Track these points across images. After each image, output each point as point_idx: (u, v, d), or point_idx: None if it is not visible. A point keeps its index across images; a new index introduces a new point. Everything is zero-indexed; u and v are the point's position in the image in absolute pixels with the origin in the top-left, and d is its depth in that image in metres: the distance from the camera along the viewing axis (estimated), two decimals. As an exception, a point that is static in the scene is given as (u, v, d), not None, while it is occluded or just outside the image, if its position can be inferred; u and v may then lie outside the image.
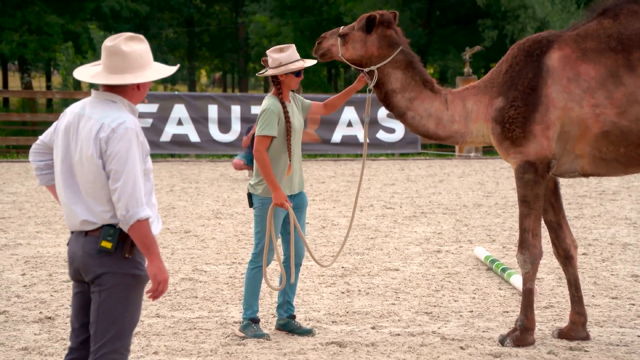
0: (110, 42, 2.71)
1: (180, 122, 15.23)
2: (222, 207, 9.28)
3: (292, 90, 4.33)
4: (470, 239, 7.17)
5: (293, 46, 4.21)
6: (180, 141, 15.26)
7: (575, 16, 24.81)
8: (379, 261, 6.32)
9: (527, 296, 4.07)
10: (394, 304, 5.02)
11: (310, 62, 4.28)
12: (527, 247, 4.01)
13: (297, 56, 4.22)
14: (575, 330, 4.15)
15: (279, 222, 4.25)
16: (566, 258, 4.21)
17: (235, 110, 15.46)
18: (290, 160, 4.21)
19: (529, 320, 4.05)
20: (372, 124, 15.60)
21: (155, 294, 2.70)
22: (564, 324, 4.43)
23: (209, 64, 39.69)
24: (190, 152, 15.56)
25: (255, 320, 4.31)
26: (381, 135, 15.63)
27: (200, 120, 15.29)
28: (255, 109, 15.44)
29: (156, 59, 3.06)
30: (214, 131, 15.38)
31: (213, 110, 15.39)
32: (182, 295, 5.24)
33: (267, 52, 4.24)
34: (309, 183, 11.74)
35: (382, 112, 15.59)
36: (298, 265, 4.38)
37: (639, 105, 3.79)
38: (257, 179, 4.25)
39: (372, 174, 12.80)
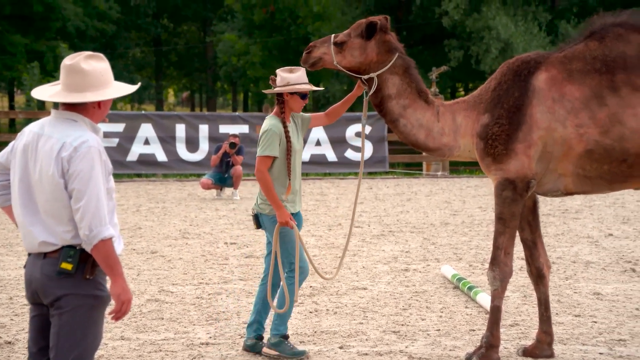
0: (70, 60, 2.68)
1: (147, 142, 15.11)
2: (189, 227, 9.19)
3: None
4: (437, 257, 7.21)
5: (303, 69, 4.22)
6: (147, 161, 15.13)
7: (537, 38, 25.36)
8: (348, 280, 6.31)
9: (495, 313, 4.09)
10: (362, 323, 5.01)
11: (313, 88, 4.29)
12: (498, 264, 4.03)
13: (306, 79, 4.23)
14: (541, 348, 4.18)
15: (293, 240, 4.20)
16: (538, 277, 4.24)
17: (204, 129, 15.40)
18: (289, 180, 4.21)
19: (494, 337, 4.07)
20: (341, 143, 15.66)
21: (119, 315, 2.65)
22: (529, 342, 4.46)
23: (176, 83, 39.58)
24: (158, 171, 15.42)
25: (287, 337, 4.30)
26: (349, 154, 15.69)
27: (167, 140, 15.19)
28: (223, 128, 15.40)
29: (123, 78, 3.04)
30: (182, 150, 15.28)
31: (181, 130, 15.31)
32: (148, 317, 5.16)
33: (277, 70, 4.27)
34: (277, 202, 11.69)
35: (350, 130, 15.67)
36: (300, 282, 4.35)
37: (622, 125, 3.87)
38: (263, 199, 4.24)
39: (341, 193, 12.82)
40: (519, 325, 4.86)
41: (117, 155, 14.64)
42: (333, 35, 4.18)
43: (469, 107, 4.14)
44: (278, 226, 4.16)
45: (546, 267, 4.23)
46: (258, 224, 4.29)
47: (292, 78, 4.17)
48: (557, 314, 5.12)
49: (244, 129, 15.56)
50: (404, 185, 14.20)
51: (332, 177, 15.79)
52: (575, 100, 3.92)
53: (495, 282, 4.06)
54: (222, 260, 7.18)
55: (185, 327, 4.93)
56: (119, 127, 15.02)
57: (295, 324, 4.98)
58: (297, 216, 4.32)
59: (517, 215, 4.00)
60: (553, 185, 4.02)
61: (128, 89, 2.71)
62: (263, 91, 4.49)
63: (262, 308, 4.34)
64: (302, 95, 4.21)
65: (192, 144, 15.30)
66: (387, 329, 4.83)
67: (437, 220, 9.49)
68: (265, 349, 4.28)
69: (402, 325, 4.93)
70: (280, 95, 4.21)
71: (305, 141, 15.63)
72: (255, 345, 4.33)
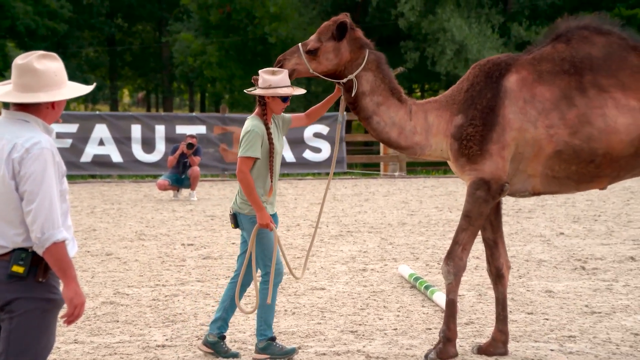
0: (22, 60, 2.62)
1: (102, 142, 14.87)
2: (145, 228, 9.07)
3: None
4: (394, 257, 7.27)
5: (286, 72, 4.17)
6: (101, 162, 14.89)
7: (490, 39, 25.79)
8: (306, 280, 6.32)
9: (450, 307, 4.12)
10: (320, 323, 5.02)
11: (299, 91, 4.25)
12: (453, 258, 4.08)
13: (288, 82, 4.18)
14: (495, 346, 4.24)
15: (271, 243, 4.19)
16: (497, 276, 4.28)
17: (160, 130, 15.23)
18: (272, 181, 4.20)
19: (450, 331, 4.11)
20: (299, 144, 15.66)
21: (71, 319, 2.61)
22: (484, 339, 4.53)
23: (132, 83, 39.01)
24: (113, 172, 15.19)
25: (274, 339, 4.26)
26: (308, 154, 15.71)
27: (122, 141, 14.98)
28: (180, 129, 15.26)
29: (76, 78, 2.98)
30: (138, 151, 15.08)
31: (137, 130, 15.11)
32: (102, 320, 5.08)
33: (260, 72, 4.22)
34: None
35: (308, 131, 15.68)
36: (277, 284, 4.34)
37: (590, 125, 3.93)
38: (243, 198, 4.22)
39: (299, 194, 12.83)
40: (474, 324, 4.93)
41: (71, 156, 14.37)
42: (300, 44, 4.14)
43: (441, 107, 4.16)
44: (257, 227, 4.15)
45: (506, 267, 4.27)
46: (236, 223, 4.27)
47: (274, 80, 4.13)
48: (510, 311, 5.21)
49: (201, 129, 15.44)
50: (361, 185, 14.28)
51: (290, 178, 15.78)
52: (545, 101, 3.98)
53: (449, 276, 4.10)
54: (179, 262, 7.11)
55: (141, 329, 4.87)
56: (73, 127, 14.74)
57: (254, 324, 4.96)
58: (274, 217, 4.32)
59: (484, 216, 4.04)
60: (521, 185, 4.07)
61: (83, 89, 2.66)
62: (245, 91, 4.44)
63: (229, 306, 4.31)
64: (284, 98, 4.19)
65: (148, 144, 15.11)
66: (344, 329, 4.86)
67: (395, 221, 9.57)
68: (255, 355, 4.25)
69: (360, 325, 4.96)
70: (262, 97, 4.19)
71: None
72: (216, 344, 4.28)
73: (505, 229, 8.75)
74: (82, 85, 2.69)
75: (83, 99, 32.62)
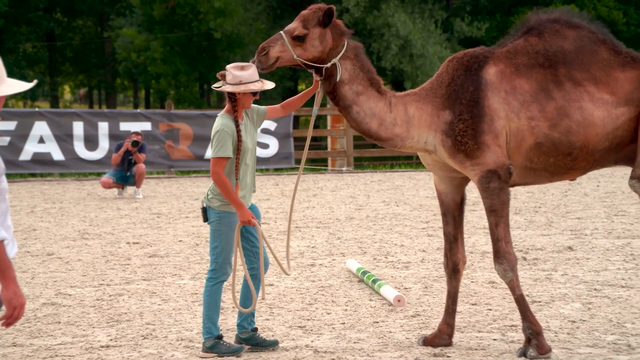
0: (-44, 55, 2.51)
1: (42, 140, 14.51)
2: (89, 227, 8.89)
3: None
4: (343, 251, 7.31)
5: (254, 66, 4.13)
6: (42, 160, 14.51)
7: (434, 35, 26.17)
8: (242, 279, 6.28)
9: (522, 303, 4.06)
10: (268, 319, 5.01)
11: (269, 85, 4.21)
12: (503, 255, 4.02)
13: (258, 76, 4.15)
14: (440, 338, 4.29)
15: (230, 239, 4.16)
16: (453, 271, 4.30)
17: (103, 127, 14.94)
18: (237, 179, 4.16)
19: (535, 324, 4.04)
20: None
21: (10, 321, 2.52)
22: (430, 331, 4.60)
23: (73, 79, 38.07)
24: (54, 170, 14.83)
25: (221, 337, 4.20)
26: (257, 151, 15.62)
27: (64, 138, 14.63)
28: (124, 126, 14.99)
29: (14, 74, 2.88)
30: (80, 149, 14.76)
31: (79, 127, 14.79)
32: (43, 321, 4.95)
33: (228, 67, 4.16)
34: (182, 200, 11.52)
35: (255, 127, 15.61)
36: (256, 280, 4.33)
37: (568, 118, 3.97)
38: (214, 193, 4.17)
39: (246, 190, 12.76)
40: (420, 316, 5.00)
41: (9, 154, 13.96)
42: (282, 31, 4.10)
43: (420, 99, 4.14)
44: (239, 225, 4.12)
45: (462, 262, 4.30)
46: (206, 217, 4.23)
47: (244, 76, 4.10)
48: (456, 302, 5.30)
49: (146, 126, 15.21)
50: (309, 181, 14.30)
51: (238, 174, 15.68)
52: (525, 93, 4.00)
53: (507, 274, 4.02)
54: (124, 261, 6.99)
55: (84, 330, 4.76)
56: (11, 125, 14.33)
57: (201, 322, 4.91)
58: (252, 210, 4.27)
59: (508, 203, 4.01)
60: None
61: (23, 86, 2.57)
62: (213, 87, 4.35)
63: (249, 302, 4.29)
64: (254, 92, 4.17)
65: (91, 142, 14.81)
66: (293, 324, 4.86)
67: (343, 215, 9.62)
68: (201, 354, 4.20)
69: (308, 320, 4.97)
70: (232, 93, 4.14)
71: (209, 138, 15.45)
72: (253, 338, 4.28)
73: (451, 221, 8.90)
74: (21, 82, 2.60)
75: (22, 96, 31.69)
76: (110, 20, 30.26)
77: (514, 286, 4.04)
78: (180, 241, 8.00)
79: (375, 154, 18.74)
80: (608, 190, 11.63)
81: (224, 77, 4.16)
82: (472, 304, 5.25)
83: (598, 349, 4.19)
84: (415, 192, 12.09)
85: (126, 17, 29.16)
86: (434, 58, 25.64)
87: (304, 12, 4.14)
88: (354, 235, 8.15)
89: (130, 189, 12.19)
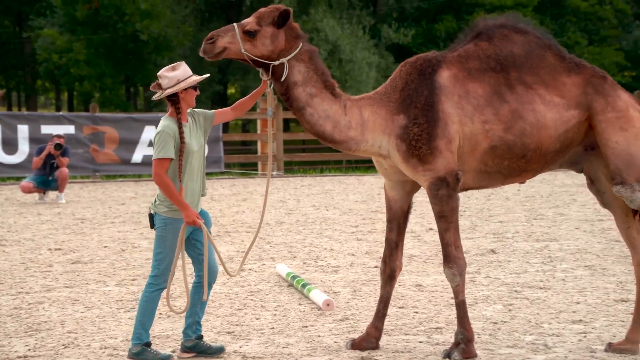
0: None
1: (-44, 143, 13.87)
2: (7, 233, 8.55)
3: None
4: (272, 256, 7.29)
5: (184, 63, 4.11)
6: (-43, 163, 13.88)
7: (362, 40, 26.52)
8: (182, 283, 6.19)
9: (462, 308, 4.10)
10: (196, 325, 4.94)
11: (204, 76, 4.20)
12: (453, 259, 4.05)
13: (191, 72, 4.11)
14: (368, 341, 4.33)
15: (173, 245, 4.09)
16: (389, 277, 4.34)
17: (23, 130, 14.44)
18: (180, 182, 4.07)
19: (468, 331, 4.09)
20: (174, 144, 15.34)
21: None
22: (358, 335, 4.64)
23: (-9, 80, 36.57)
24: (-30, 175, 14.20)
25: (149, 344, 4.11)
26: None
27: (-19, 141, 14.04)
28: (46, 129, 14.52)
29: None
30: (-2, 152, 14.21)
31: (-4, 130, 14.24)
32: (-41, 334, 4.73)
33: (159, 74, 4.10)
34: (107, 205, 11.24)
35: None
36: (211, 284, 4.25)
37: (522, 120, 4.03)
38: (161, 199, 4.11)
39: (174, 195, 12.56)
40: (349, 320, 5.04)
41: None
42: (236, 24, 4.07)
43: (375, 103, 4.14)
44: (184, 226, 4.06)
45: (398, 269, 4.35)
46: (152, 224, 4.17)
47: (179, 74, 4.07)
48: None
49: (69, 129, 14.77)
50: (239, 185, 14.21)
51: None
52: (479, 97, 4.04)
53: (455, 279, 4.06)
54: (45, 268, 6.76)
55: (0, 340, 4.58)
56: None
57: (126, 330, 4.81)
58: (203, 215, 4.21)
59: (456, 208, 4.04)
60: None
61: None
62: (154, 98, 4.25)
63: (200, 309, 4.25)
64: (194, 86, 4.13)
65: (10, 145, 14.28)
66: (221, 330, 4.81)
67: (273, 220, 9.60)
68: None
69: (237, 325, 4.93)
70: (172, 96, 4.08)
71: (135, 142, 15.12)
72: (197, 345, 4.22)
73: (380, 225, 9.01)
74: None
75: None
76: (30, 20, 29.24)
77: (458, 290, 4.10)
78: (105, 247, 7.80)
79: (305, 158, 18.80)
80: (528, 194, 12.04)
81: (159, 86, 4.12)
82: (399, 307, 5.33)
83: (517, 349, 4.33)
84: (345, 197, 12.20)
85: (47, 17, 28.25)
86: (362, 63, 25.97)
87: (262, 9, 4.14)
88: (283, 240, 8.15)
89: (52, 194, 11.80)
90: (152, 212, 4.15)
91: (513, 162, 4.09)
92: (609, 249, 7.28)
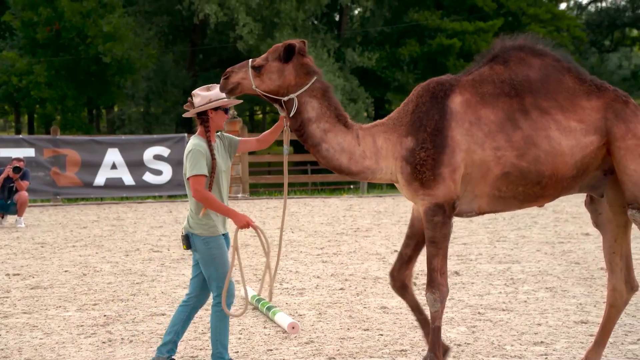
0: None
1: None
2: (-36, 259, 8.32)
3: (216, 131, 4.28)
4: (237, 279, 7.23)
5: (217, 86, 4.18)
6: None
7: (327, 63, 26.71)
8: (145, 307, 6.11)
9: (436, 334, 4.09)
10: (159, 350, 4.86)
11: (237, 101, 4.23)
12: (437, 286, 4.04)
13: (224, 95, 4.16)
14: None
15: (226, 262, 4.18)
16: (402, 288, 4.33)
17: (-19, 152, 14.15)
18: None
19: (437, 358, 4.08)
20: (139, 166, 15.19)
21: None
22: (323, 358, 4.62)
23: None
24: None
25: None
26: (148, 177, 15.29)
27: None
28: (4, 152, 14.28)
29: None
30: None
31: (-46, 152, 13.93)
32: None
33: (193, 92, 4.19)
34: (69, 229, 11.05)
35: (148, 153, 15.26)
36: (197, 308, 4.30)
37: (536, 147, 3.98)
38: (195, 219, 4.14)
39: (139, 217, 12.42)
40: (314, 342, 5.02)
41: None
42: (250, 60, 4.09)
43: (388, 130, 4.12)
44: (237, 230, 4.14)
45: (408, 278, 4.33)
46: (188, 244, 4.19)
47: (212, 95, 4.17)
48: (348, 329, 5.37)
49: (29, 152, 14.54)
50: (203, 208, 14.10)
51: (130, 202, 15.24)
52: (491, 124, 4.00)
53: (435, 304, 4.05)
54: (3, 293, 6.60)
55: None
56: None
57: (86, 355, 4.71)
58: (227, 238, 4.27)
59: (448, 236, 4.05)
60: (468, 206, 4.09)
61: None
62: (184, 115, 4.31)
63: (180, 329, 4.26)
64: (225, 109, 4.21)
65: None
66: (185, 354, 4.75)
67: (238, 242, 9.53)
68: None
69: (201, 349, 4.87)
70: (203, 114, 4.16)
71: (97, 165, 14.94)
72: None
73: (345, 247, 9.03)
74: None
75: None
76: (-13, 42, 28.80)
77: (436, 317, 4.10)
78: (65, 271, 7.65)
79: (270, 180, 18.78)
80: (491, 217, 12.20)
81: (191, 104, 4.20)
82: (365, 330, 5.33)
83: (482, 369, 4.37)
84: (310, 219, 12.20)
85: (6, 39, 27.86)
86: (327, 87, 26.05)
87: (276, 45, 4.16)
88: (249, 263, 8.10)
89: (11, 218, 11.57)
90: (188, 233, 4.20)
91: (528, 189, 4.04)
92: (569, 271, 7.40)
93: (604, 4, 39.48)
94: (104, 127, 33.70)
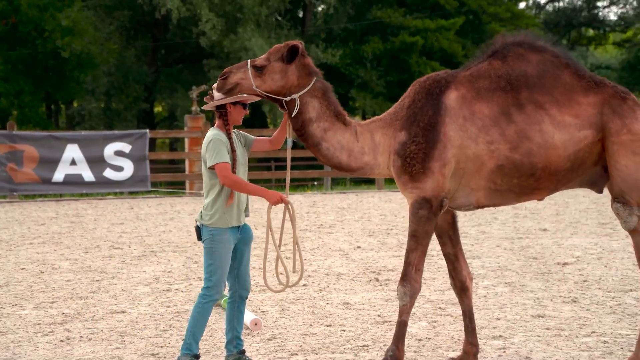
0: None
1: None
2: None
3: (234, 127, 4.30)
4: (200, 275, 7.19)
5: None
6: None
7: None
8: (105, 304, 6.03)
9: (401, 328, 4.10)
10: (119, 347, 4.81)
11: (256, 97, 4.20)
12: (409, 280, 4.06)
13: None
14: (466, 359, 4.30)
15: (229, 255, 4.16)
16: (462, 289, 4.33)
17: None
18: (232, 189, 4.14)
19: (399, 350, 4.10)
20: (99, 162, 14.96)
21: None
22: (285, 354, 4.62)
23: None
24: None
25: (198, 357, 4.13)
26: (109, 173, 15.06)
27: None
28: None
29: None
30: None
31: None
32: None
33: (214, 85, 4.18)
34: (26, 225, 10.83)
35: (109, 149, 15.04)
36: (244, 298, 4.30)
37: (529, 140, 4.05)
38: (205, 209, 4.15)
39: (99, 214, 12.24)
40: (277, 339, 5.02)
41: None
42: (249, 60, 4.08)
43: (385, 125, 4.17)
44: (270, 206, 4.20)
45: (469, 279, 4.33)
46: (199, 236, 4.21)
47: None
48: (311, 325, 5.38)
49: (-16, 147, 14.21)
50: (166, 204, 13.97)
51: (90, 198, 15.01)
52: (485, 118, 4.06)
53: (405, 298, 4.07)
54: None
55: None
56: None
57: (44, 354, 4.63)
58: (244, 229, 4.28)
59: (430, 234, 4.06)
60: (465, 199, 4.13)
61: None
62: (204, 107, 4.31)
63: (237, 324, 4.30)
64: (244, 105, 4.22)
65: None
66: (145, 352, 4.70)
67: (271, 219, 9.45)
68: None
69: (162, 347, 4.83)
70: (222, 107, 4.18)
71: (56, 161, 14.69)
72: None
73: (308, 244, 9.03)
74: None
75: None
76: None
77: (403, 310, 4.14)
78: (22, 269, 7.50)
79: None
80: (453, 212, 12.34)
81: (212, 96, 4.21)
82: (327, 325, 5.35)
83: (442, 363, 4.42)
84: (274, 215, 12.16)
85: (-41, 33, 27.15)
86: (291, 83, 26.02)
87: (276, 45, 4.19)
88: (258, 253, 8.04)
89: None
90: (199, 224, 4.21)
91: (523, 181, 4.10)
92: (528, 266, 7.53)
93: (561, 4, 40.25)
94: (63, 123, 33.11)
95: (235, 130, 4.35)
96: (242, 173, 4.25)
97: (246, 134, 4.44)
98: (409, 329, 5.19)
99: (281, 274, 6.48)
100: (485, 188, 4.12)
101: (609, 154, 4.09)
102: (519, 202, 4.25)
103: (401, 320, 4.13)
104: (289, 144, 4.29)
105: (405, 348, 4.69)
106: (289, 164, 4.42)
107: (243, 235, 4.29)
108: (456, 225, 4.37)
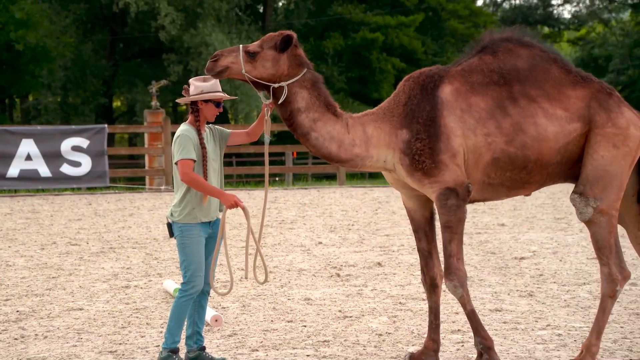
0: None
1: None
2: None
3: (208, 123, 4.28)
4: (160, 272, 7.12)
5: (217, 80, 4.17)
6: None
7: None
8: (61, 301, 5.93)
9: (473, 317, 4.09)
10: (76, 345, 4.74)
11: (230, 97, 4.23)
12: (454, 271, 4.04)
13: (220, 88, 4.18)
14: (427, 354, 4.29)
15: (201, 250, 4.16)
16: (431, 286, 4.31)
17: None
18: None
19: (486, 339, 4.08)
20: (56, 157, 14.68)
21: None
22: (246, 350, 4.61)
23: None
24: None
25: (176, 351, 4.18)
26: (66, 169, 14.79)
27: None
28: None
29: None
30: None
31: None
32: None
33: (191, 80, 4.19)
34: (-21, 223, 10.57)
35: (66, 144, 14.77)
36: (206, 293, 4.29)
37: (524, 133, 4.09)
38: (174, 205, 4.14)
39: (56, 210, 12.02)
40: (237, 335, 5.00)
41: None
42: (242, 45, 4.07)
43: (378, 119, 4.17)
44: (225, 211, 4.17)
45: (439, 277, 4.31)
46: (171, 233, 4.21)
47: (205, 86, 4.16)
48: (272, 321, 5.38)
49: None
50: (126, 200, 13.78)
51: (46, 194, 14.72)
52: (481, 111, 4.09)
53: (458, 290, 4.06)
54: None
55: None
56: None
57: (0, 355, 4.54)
58: (216, 224, 4.27)
59: (463, 220, 4.06)
60: None
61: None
62: (177, 100, 4.30)
63: (198, 319, 4.30)
64: (217, 103, 4.20)
65: None
66: (103, 350, 4.64)
67: (160, 235, 9.38)
68: None
69: (120, 344, 4.77)
70: (194, 103, 4.17)
71: (11, 156, 14.36)
72: (199, 357, 4.24)
73: (270, 240, 9.02)
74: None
75: None
76: None
77: (464, 302, 4.13)
78: (-24, 267, 7.32)
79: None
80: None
81: (187, 90, 4.22)
82: (288, 321, 5.35)
83: None
84: (235, 211, 12.11)
85: None
86: (251, 78, 25.93)
87: (270, 33, 4.17)
88: (172, 255, 7.98)
89: None
90: (170, 221, 4.22)
91: (515, 174, 4.15)
92: (486, 261, 7.65)
93: (517, 2, 40.94)
94: (17, 117, 32.40)
95: (210, 125, 4.34)
96: (214, 169, 4.24)
97: (222, 128, 4.42)
98: (369, 324, 5.23)
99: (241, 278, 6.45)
100: (479, 182, 4.16)
101: (589, 144, 4.16)
102: (509, 196, 4.30)
103: (469, 311, 4.13)
104: (266, 140, 4.29)
105: (366, 342, 4.73)
106: (267, 159, 4.45)
107: (214, 230, 4.29)
108: (434, 222, 4.38)
